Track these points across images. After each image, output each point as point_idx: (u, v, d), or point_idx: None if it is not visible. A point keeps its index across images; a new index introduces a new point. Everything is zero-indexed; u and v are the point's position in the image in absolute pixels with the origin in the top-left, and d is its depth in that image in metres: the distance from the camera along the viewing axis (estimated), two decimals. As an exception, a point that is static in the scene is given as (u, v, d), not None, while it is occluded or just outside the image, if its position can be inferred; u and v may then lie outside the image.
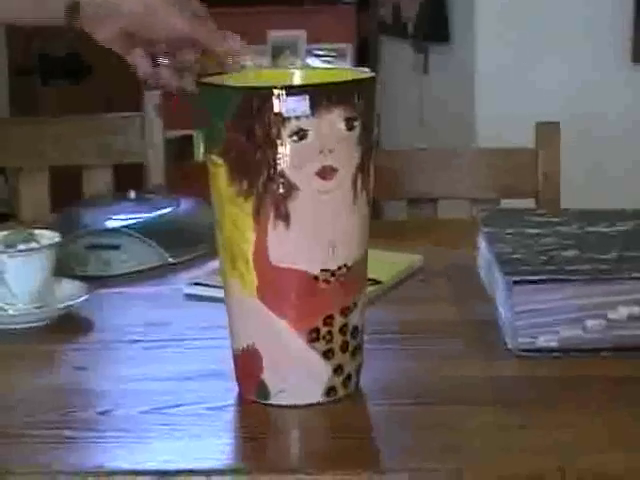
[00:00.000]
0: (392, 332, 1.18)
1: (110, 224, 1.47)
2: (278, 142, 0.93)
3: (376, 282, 1.30)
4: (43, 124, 1.97)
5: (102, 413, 0.99)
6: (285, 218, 0.94)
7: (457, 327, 1.18)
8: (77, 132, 1.92)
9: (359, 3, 4.36)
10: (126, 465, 0.89)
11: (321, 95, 0.93)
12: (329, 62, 4.18)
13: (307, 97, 0.92)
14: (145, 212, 1.51)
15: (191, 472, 0.88)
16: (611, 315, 1.07)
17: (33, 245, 1.23)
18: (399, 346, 1.14)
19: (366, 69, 1.02)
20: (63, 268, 1.30)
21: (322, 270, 0.96)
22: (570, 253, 1.16)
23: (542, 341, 1.08)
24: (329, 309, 0.97)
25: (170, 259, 1.42)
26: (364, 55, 4.34)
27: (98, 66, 4.86)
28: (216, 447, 0.94)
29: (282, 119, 0.92)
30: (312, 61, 4.20)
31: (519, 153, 1.76)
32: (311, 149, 0.93)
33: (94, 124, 1.93)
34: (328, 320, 0.97)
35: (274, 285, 0.96)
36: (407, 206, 1.80)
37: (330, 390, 0.99)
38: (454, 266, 1.38)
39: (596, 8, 3.00)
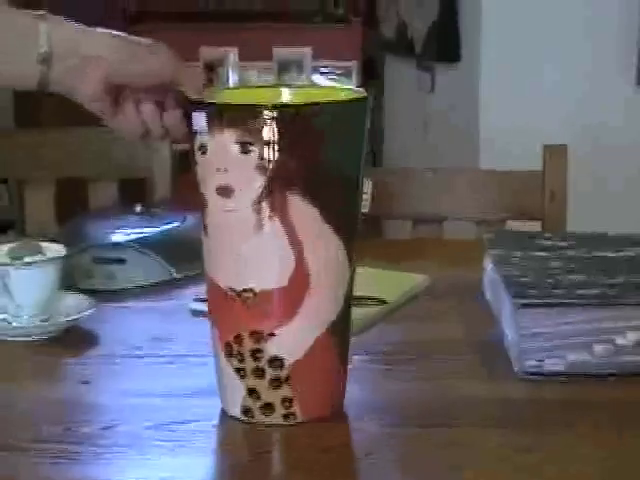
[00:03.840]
0: (397, 352, 1.17)
1: (116, 238, 1.47)
2: (194, 154, 0.97)
3: (381, 302, 1.30)
4: (49, 134, 1.97)
5: (105, 428, 0.99)
6: (204, 227, 0.99)
7: (463, 348, 1.18)
8: (83, 143, 1.92)
9: (365, 21, 4.37)
10: (129, 481, 0.89)
11: (212, 114, 0.94)
12: (334, 80, 4.18)
13: (204, 114, 0.94)
14: (151, 226, 1.51)
15: (195, 489, 0.88)
16: (619, 340, 1.07)
17: (39, 257, 1.22)
18: (403, 366, 1.14)
19: (361, 89, 1.02)
20: (68, 281, 1.29)
21: (229, 287, 0.97)
22: (577, 277, 1.16)
23: (549, 365, 1.08)
24: (237, 329, 0.98)
25: (175, 274, 1.42)
26: (370, 73, 4.35)
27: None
28: (219, 464, 0.94)
29: (194, 133, 0.96)
30: (317, 78, 4.20)
31: (526, 175, 1.76)
32: (210, 165, 0.96)
33: (101, 135, 1.92)
34: (238, 339, 0.98)
35: (207, 289, 1.02)
36: (412, 226, 1.79)
37: (247, 410, 0.99)
38: (460, 287, 1.38)
39: (603, 32, 3.01)
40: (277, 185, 0.93)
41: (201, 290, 1.34)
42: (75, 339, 1.21)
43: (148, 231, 1.49)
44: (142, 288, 1.39)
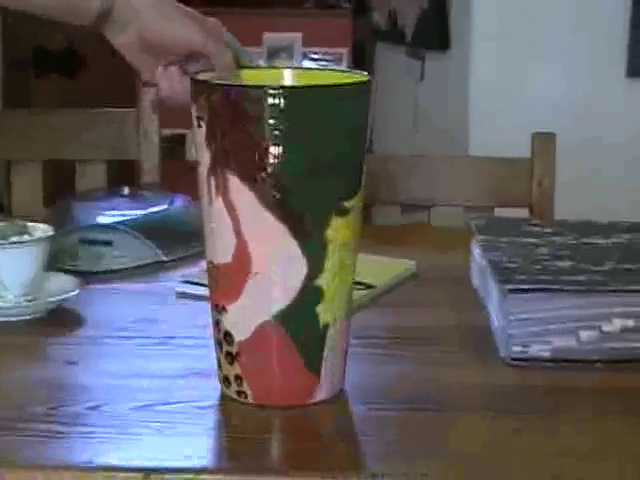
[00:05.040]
0: (384, 337, 1.18)
1: (103, 220, 1.47)
2: None
3: (368, 286, 1.30)
4: (37, 116, 1.96)
5: (91, 408, 0.98)
6: None
7: (449, 333, 1.18)
8: (71, 126, 1.91)
9: (356, 8, 4.36)
10: (114, 461, 0.89)
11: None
12: (324, 66, 4.18)
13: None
14: (138, 209, 1.50)
15: (179, 470, 0.88)
16: (605, 327, 1.07)
17: (26, 238, 1.22)
18: (390, 351, 1.14)
19: (360, 72, 1.02)
20: (54, 262, 1.29)
21: (205, 258, 1.01)
22: (565, 264, 1.16)
23: (535, 350, 1.08)
24: (212, 299, 1.01)
25: (162, 256, 1.42)
26: (360, 60, 4.34)
27: (93, 60, 4.85)
28: (205, 446, 0.94)
29: None
30: (308, 64, 4.20)
31: (514, 162, 1.76)
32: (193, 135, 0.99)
33: (89, 118, 1.92)
34: (211, 308, 1.01)
35: None
36: (401, 212, 1.79)
37: (219, 378, 1.02)
38: (447, 272, 1.38)
39: (593, 23, 3.01)
40: (219, 163, 0.95)
41: (188, 272, 1.35)
42: (61, 320, 1.21)
43: (135, 213, 1.48)
44: (129, 270, 1.39)
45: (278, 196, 0.94)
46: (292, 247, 0.95)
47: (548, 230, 1.31)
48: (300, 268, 0.96)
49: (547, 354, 1.08)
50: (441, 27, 3.36)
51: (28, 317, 1.20)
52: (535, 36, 3.03)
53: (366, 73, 1.01)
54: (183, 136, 4.17)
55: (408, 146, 3.65)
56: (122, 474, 0.87)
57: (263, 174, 0.93)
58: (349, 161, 0.97)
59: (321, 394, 1.00)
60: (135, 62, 1.14)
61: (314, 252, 0.96)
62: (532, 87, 3.04)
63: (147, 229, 1.43)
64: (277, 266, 0.96)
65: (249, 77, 1.08)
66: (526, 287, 1.08)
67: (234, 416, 0.99)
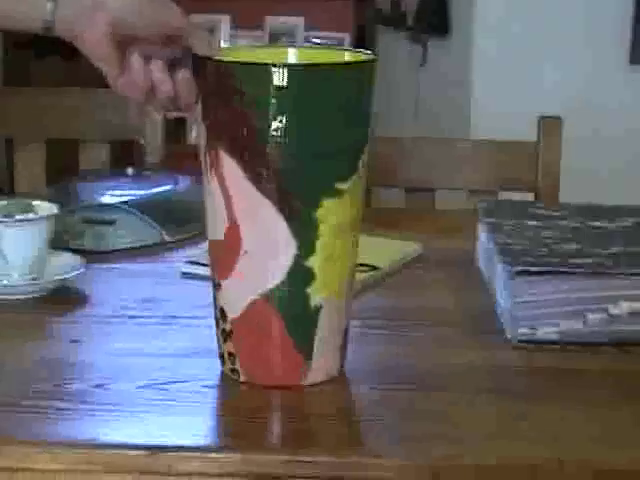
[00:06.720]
0: (388, 318, 1.17)
1: (107, 199, 1.46)
2: None
3: (373, 268, 1.29)
4: (40, 95, 1.95)
5: (96, 386, 0.98)
6: None
7: (455, 315, 1.18)
8: (75, 105, 1.90)
9: (358, -8, 4.35)
10: (119, 438, 0.89)
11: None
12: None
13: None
14: (143, 189, 1.50)
15: (184, 448, 0.88)
16: (612, 310, 1.07)
17: (31, 216, 1.21)
18: (395, 332, 1.14)
19: (365, 51, 1.00)
20: (58, 241, 1.29)
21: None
22: (571, 246, 1.16)
23: (542, 333, 1.07)
24: (211, 275, 1.01)
25: (167, 237, 1.41)
26: (361, 45, 4.33)
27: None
28: (209, 424, 0.94)
29: None
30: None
31: (520, 146, 1.75)
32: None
33: (92, 98, 1.91)
34: (211, 284, 1.01)
35: None
36: (405, 195, 1.79)
37: (218, 355, 1.02)
38: (452, 255, 1.38)
39: (596, 8, 3.00)
40: (212, 139, 0.95)
41: (193, 253, 1.34)
42: (65, 298, 1.20)
43: (139, 193, 1.48)
44: (133, 250, 1.38)
45: (266, 174, 0.93)
46: (280, 226, 0.94)
47: (554, 213, 1.30)
48: (289, 248, 0.95)
49: (554, 336, 1.07)
50: (441, 12, 3.35)
51: (32, 295, 1.20)
52: (537, 22, 3.02)
53: (370, 52, 1.00)
54: (184, 120, 4.15)
55: (409, 131, 3.64)
56: (126, 451, 0.87)
57: (252, 151, 0.93)
58: (345, 142, 0.95)
59: (313, 376, 0.99)
60: (105, 62, 1.01)
61: (304, 233, 0.94)
62: (534, 73, 3.03)
63: (151, 209, 1.43)
64: (266, 245, 0.95)
65: (248, 55, 1.06)
66: (533, 269, 1.08)
67: (237, 395, 0.98)
